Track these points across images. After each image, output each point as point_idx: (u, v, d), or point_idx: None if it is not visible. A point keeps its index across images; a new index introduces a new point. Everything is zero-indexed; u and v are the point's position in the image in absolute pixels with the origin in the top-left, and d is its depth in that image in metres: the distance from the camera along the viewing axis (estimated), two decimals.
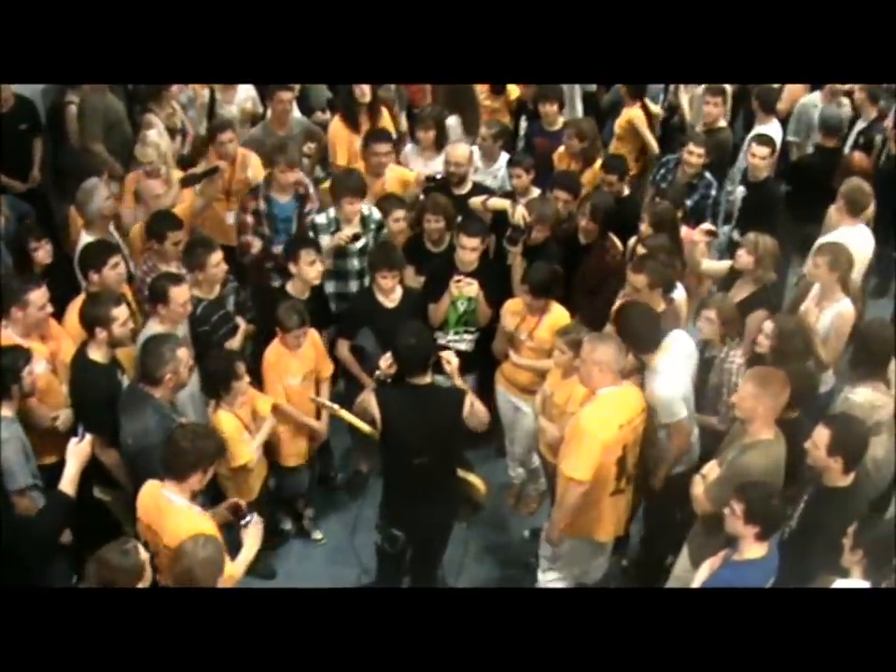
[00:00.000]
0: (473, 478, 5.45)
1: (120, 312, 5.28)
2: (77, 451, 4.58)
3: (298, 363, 5.99)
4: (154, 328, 5.59)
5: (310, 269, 6.12)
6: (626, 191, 7.38)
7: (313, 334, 6.04)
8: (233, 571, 4.42)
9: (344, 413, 5.74)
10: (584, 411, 5.12)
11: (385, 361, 5.17)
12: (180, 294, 5.56)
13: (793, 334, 5.51)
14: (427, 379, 5.09)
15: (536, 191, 7.08)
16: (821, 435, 4.67)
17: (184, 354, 5.16)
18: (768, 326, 5.56)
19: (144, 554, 4.02)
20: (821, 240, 6.47)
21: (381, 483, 5.44)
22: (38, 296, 5.32)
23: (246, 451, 5.58)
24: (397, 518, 5.27)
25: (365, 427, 5.48)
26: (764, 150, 7.46)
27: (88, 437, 4.65)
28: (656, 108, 9.00)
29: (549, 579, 5.55)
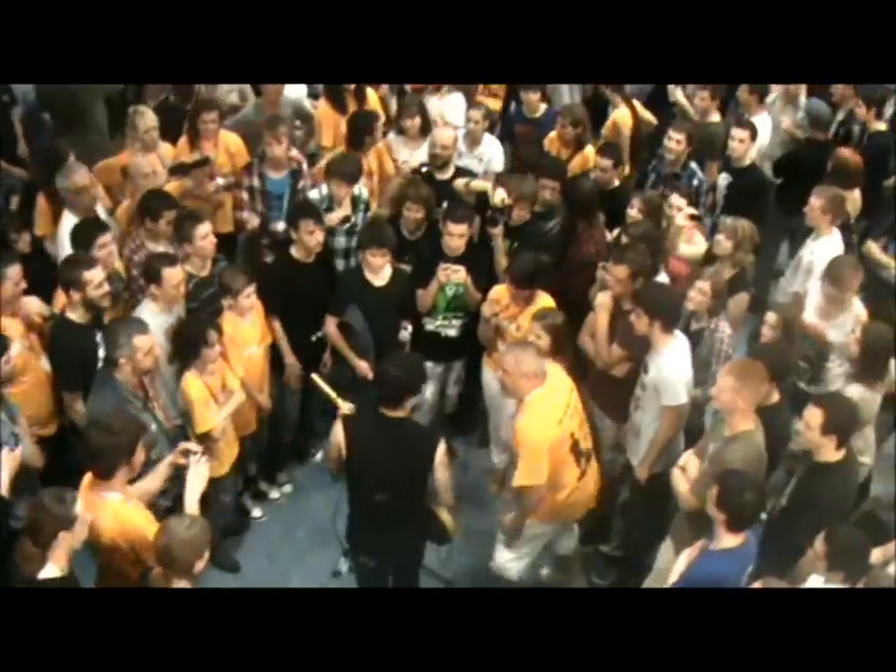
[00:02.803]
0: (445, 515, 5.18)
1: (93, 275, 5.37)
2: (9, 459, 4.61)
3: (253, 330, 6.00)
4: (149, 307, 5.66)
5: (309, 238, 6.16)
6: (616, 182, 7.38)
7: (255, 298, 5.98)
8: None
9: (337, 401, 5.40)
10: (519, 422, 5.09)
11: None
12: (173, 275, 5.59)
13: (794, 323, 5.72)
14: (401, 413, 4.88)
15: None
16: (814, 415, 4.73)
17: (143, 341, 5.12)
18: (772, 317, 5.75)
19: (81, 509, 4.02)
20: (820, 257, 6.49)
21: None
22: (14, 272, 5.39)
23: (211, 418, 5.55)
24: (363, 547, 5.21)
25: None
26: (743, 133, 7.51)
27: (19, 448, 4.71)
28: (648, 115, 8.80)
29: (506, 558, 5.58)
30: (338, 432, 4.91)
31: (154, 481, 4.86)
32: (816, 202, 6.68)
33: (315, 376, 5.48)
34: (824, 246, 6.64)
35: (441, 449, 4.88)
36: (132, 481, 4.64)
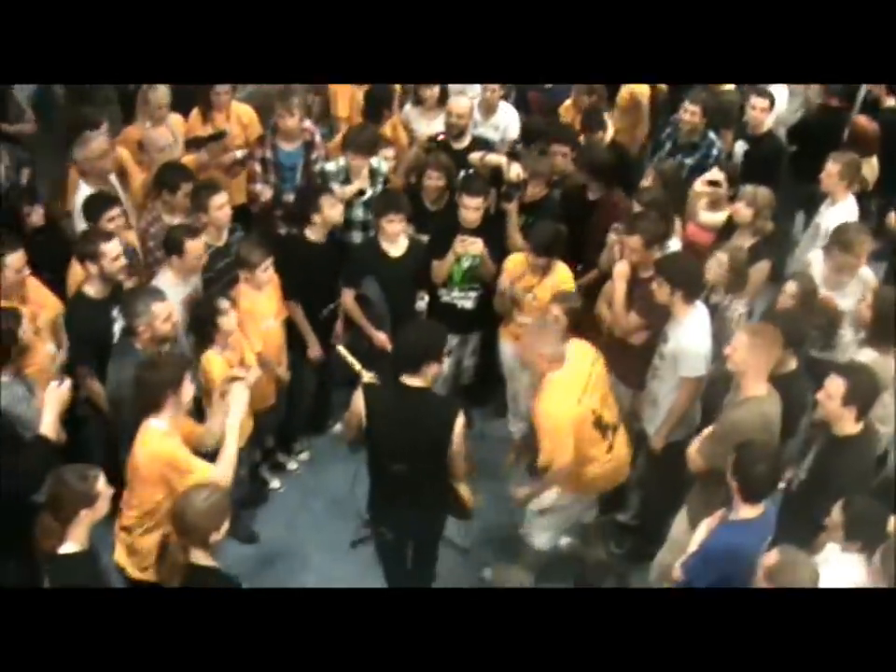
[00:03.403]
0: (464, 490, 5.14)
1: (110, 248, 5.41)
2: (57, 395, 4.61)
3: (270, 304, 5.99)
4: (167, 277, 5.69)
5: (333, 212, 6.15)
6: (607, 138, 7.44)
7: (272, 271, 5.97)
8: (225, 469, 4.57)
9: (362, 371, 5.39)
10: (538, 405, 5.11)
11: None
12: (195, 247, 5.64)
13: (814, 293, 5.70)
14: (420, 382, 4.79)
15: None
16: (836, 385, 4.68)
17: (162, 308, 5.18)
18: (792, 286, 5.70)
19: (102, 487, 4.07)
20: (836, 224, 6.34)
21: None
22: (15, 259, 5.38)
23: None
24: (382, 518, 5.19)
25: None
26: (764, 102, 7.52)
27: (67, 381, 4.70)
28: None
29: (537, 526, 5.62)
30: (358, 400, 4.88)
31: (217, 417, 4.94)
32: (832, 167, 6.65)
33: (340, 347, 5.50)
34: (840, 212, 6.61)
35: (460, 420, 4.79)
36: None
